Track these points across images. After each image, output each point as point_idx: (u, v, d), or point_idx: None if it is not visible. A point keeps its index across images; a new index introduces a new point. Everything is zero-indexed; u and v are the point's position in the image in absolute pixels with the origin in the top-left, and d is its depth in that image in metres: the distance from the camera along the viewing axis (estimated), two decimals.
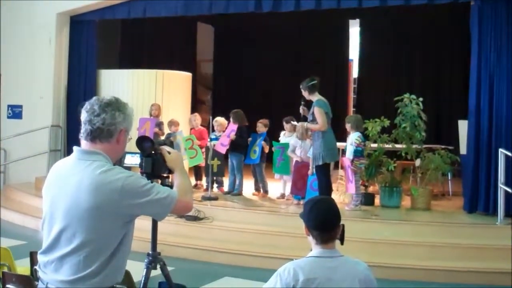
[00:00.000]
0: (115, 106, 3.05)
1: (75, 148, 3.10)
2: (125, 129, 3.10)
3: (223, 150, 10.36)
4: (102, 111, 3.01)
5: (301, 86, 8.95)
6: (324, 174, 8.91)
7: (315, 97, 8.83)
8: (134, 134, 9.79)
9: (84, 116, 3.05)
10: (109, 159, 3.04)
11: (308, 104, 8.99)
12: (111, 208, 2.89)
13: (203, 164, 10.93)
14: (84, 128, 3.05)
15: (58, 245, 2.96)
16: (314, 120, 8.78)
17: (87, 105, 3.07)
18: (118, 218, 2.92)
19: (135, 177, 2.96)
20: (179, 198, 3.03)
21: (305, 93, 8.92)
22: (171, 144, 10.62)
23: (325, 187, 8.84)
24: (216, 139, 10.56)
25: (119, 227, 2.93)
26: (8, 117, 13.25)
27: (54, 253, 2.96)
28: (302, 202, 9.67)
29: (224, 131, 10.57)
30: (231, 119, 10.60)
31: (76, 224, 2.90)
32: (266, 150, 10.51)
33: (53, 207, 3.00)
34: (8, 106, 13.25)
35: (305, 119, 9.10)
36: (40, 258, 3.03)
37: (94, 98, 3.10)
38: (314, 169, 8.98)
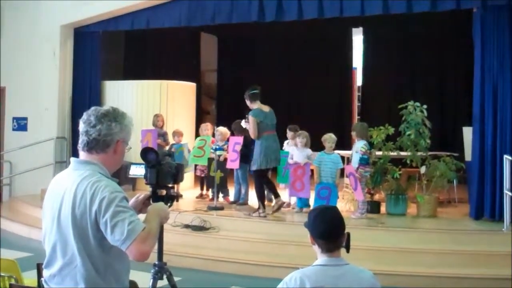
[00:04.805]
0: (112, 116, 3.05)
1: (71, 159, 3.11)
2: (122, 139, 3.09)
3: (235, 165, 10.28)
4: (98, 122, 3.01)
5: (244, 96, 9.44)
6: (258, 180, 9.39)
7: (255, 106, 9.33)
8: (137, 146, 9.88)
9: (81, 126, 3.05)
10: (104, 169, 3.03)
11: None
12: (88, 218, 2.87)
13: (202, 168, 11.09)
14: (81, 139, 3.05)
15: (56, 257, 2.96)
16: None
17: (84, 115, 3.07)
18: (95, 229, 2.87)
19: (119, 196, 2.89)
20: (138, 240, 2.80)
21: (247, 102, 9.41)
22: (172, 156, 10.64)
23: (258, 192, 9.42)
24: (220, 149, 10.55)
25: (102, 238, 2.88)
26: (13, 129, 13.31)
27: (54, 266, 2.97)
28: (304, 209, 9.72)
29: (227, 141, 10.59)
30: (233, 131, 10.62)
31: (66, 234, 2.91)
32: None
33: (49, 219, 3.01)
34: (13, 118, 13.32)
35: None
36: (44, 273, 3.04)
37: (92, 108, 3.10)
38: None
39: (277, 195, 9.49)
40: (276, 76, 17.23)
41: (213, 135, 10.96)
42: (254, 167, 9.36)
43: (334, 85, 17.13)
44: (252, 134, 9.30)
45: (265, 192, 10.64)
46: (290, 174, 9.81)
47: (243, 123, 9.75)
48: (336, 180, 9.59)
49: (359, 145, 9.46)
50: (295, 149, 9.96)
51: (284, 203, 9.70)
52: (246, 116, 9.47)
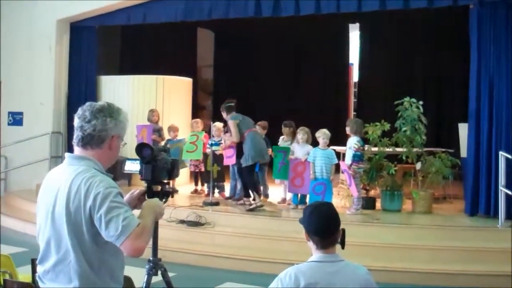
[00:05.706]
0: (107, 112, 3.03)
1: (66, 154, 3.09)
2: (117, 135, 3.07)
3: (231, 161, 10.33)
4: (93, 117, 3.00)
5: (221, 108, 9.90)
6: (250, 173, 9.73)
7: (231, 116, 9.75)
8: (133, 141, 9.85)
9: (76, 122, 3.04)
10: (99, 165, 3.01)
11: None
12: (82, 214, 2.86)
13: (195, 164, 11.12)
14: (76, 134, 3.04)
15: (50, 253, 2.95)
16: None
17: (79, 111, 3.06)
18: (90, 224, 2.86)
19: (113, 191, 2.88)
20: (132, 236, 2.79)
21: (223, 114, 9.86)
22: (168, 152, 10.61)
23: (251, 185, 9.77)
24: (216, 144, 10.55)
25: (96, 233, 2.86)
26: (9, 124, 13.27)
27: (48, 261, 2.96)
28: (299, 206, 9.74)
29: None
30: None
31: (61, 230, 2.90)
32: (269, 153, 10.47)
33: (44, 215, 2.99)
34: (9, 113, 13.28)
35: None
36: (38, 269, 3.03)
37: (87, 104, 3.09)
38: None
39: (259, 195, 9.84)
40: (272, 71, 17.24)
41: (209, 131, 10.94)
42: (246, 163, 9.50)
43: (331, 81, 17.13)
44: (234, 137, 9.61)
45: (261, 188, 10.67)
46: (290, 170, 9.80)
47: (224, 135, 10.21)
48: (331, 176, 9.58)
49: (353, 142, 9.47)
50: (296, 145, 9.95)
51: (262, 205, 9.68)
52: (224, 129, 9.96)
